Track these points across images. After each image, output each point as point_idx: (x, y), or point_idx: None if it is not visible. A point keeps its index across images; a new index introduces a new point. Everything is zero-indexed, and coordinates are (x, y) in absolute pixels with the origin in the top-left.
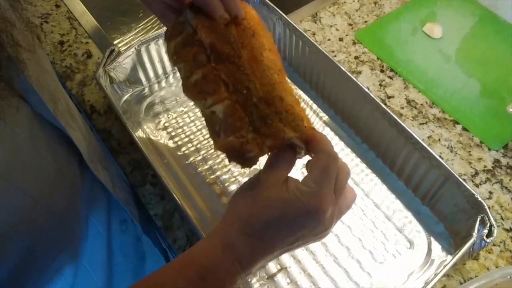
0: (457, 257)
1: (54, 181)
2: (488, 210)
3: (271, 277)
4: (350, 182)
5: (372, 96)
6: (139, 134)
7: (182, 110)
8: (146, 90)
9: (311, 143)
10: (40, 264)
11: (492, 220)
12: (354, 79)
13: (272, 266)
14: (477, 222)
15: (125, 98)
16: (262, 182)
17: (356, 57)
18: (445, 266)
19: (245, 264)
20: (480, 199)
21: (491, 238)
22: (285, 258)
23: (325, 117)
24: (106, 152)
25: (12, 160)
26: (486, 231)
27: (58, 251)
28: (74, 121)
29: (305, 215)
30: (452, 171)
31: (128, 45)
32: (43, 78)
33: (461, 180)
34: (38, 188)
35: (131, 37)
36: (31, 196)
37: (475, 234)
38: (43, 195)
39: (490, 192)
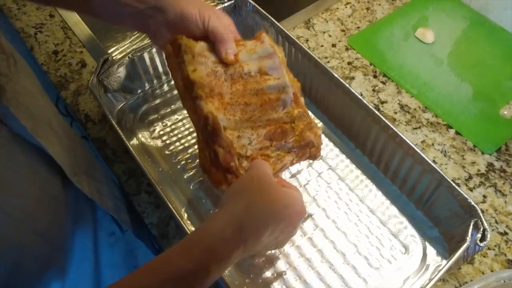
0: (451, 262)
1: (37, 199)
2: (481, 214)
3: (267, 284)
4: (345, 187)
5: (365, 102)
6: (133, 142)
7: (177, 118)
8: (141, 98)
9: None
10: (26, 284)
11: (485, 224)
12: (347, 85)
13: (268, 273)
14: (471, 227)
15: (119, 107)
16: (262, 177)
17: (349, 63)
18: (439, 271)
19: (248, 247)
20: (473, 203)
21: (485, 243)
22: (281, 264)
23: (319, 124)
24: (100, 160)
25: None
26: (479, 235)
27: (44, 269)
28: (55, 135)
29: (297, 213)
30: (445, 176)
31: (124, 53)
32: (22, 96)
33: (454, 184)
34: (20, 208)
35: (127, 45)
36: (12, 216)
37: (468, 238)
38: (25, 214)
39: (484, 196)
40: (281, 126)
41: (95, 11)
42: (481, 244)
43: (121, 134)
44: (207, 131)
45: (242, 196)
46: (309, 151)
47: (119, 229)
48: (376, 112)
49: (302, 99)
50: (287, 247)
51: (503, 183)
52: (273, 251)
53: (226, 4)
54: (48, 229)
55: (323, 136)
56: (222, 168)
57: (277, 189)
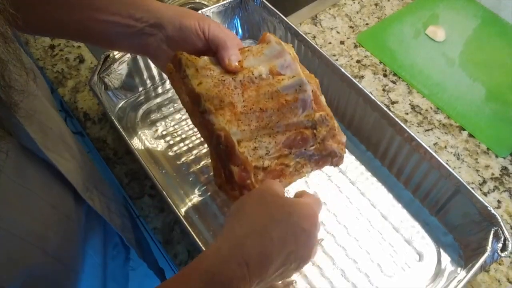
0: (471, 272)
1: (47, 218)
2: (502, 223)
3: None
4: (356, 192)
5: (378, 102)
6: (135, 142)
7: (180, 117)
8: (142, 97)
9: None
10: None
11: (507, 233)
12: (360, 85)
13: (278, 282)
14: (491, 235)
15: (120, 105)
16: (266, 190)
17: (358, 61)
18: (459, 281)
19: (252, 268)
20: (493, 211)
21: (506, 252)
22: None
23: None
24: (107, 172)
25: None
26: (500, 245)
27: None
28: (67, 149)
29: (306, 217)
30: (464, 182)
31: None
32: (33, 108)
33: (473, 191)
34: (30, 229)
35: None
36: (22, 237)
37: (489, 248)
38: (36, 235)
39: (499, 201)
40: (302, 131)
41: (94, 38)
42: (503, 254)
43: (124, 134)
44: (220, 149)
45: (241, 214)
46: (331, 160)
47: (121, 240)
48: (391, 114)
49: (322, 98)
50: None
51: None
52: None
53: None
54: (59, 249)
55: None
56: (238, 186)
57: (281, 199)
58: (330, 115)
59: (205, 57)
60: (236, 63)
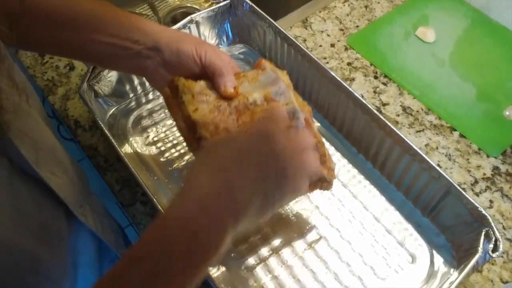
0: (463, 274)
1: (39, 237)
2: (493, 224)
3: None
4: (348, 194)
5: (368, 105)
6: (126, 149)
7: (171, 123)
8: (133, 103)
9: None
10: None
11: (498, 234)
12: (350, 88)
13: (271, 286)
14: (482, 236)
15: (111, 112)
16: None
17: (348, 64)
18: (451, 283)
19: (232, 209)
20: (484, 212)
21: (497, 253)
22: (284, 276)
23: (320, 127)
24: (100, 180)
25: None
26: (491, 245)
27: None
28: (59, 165)
29: (257, 135)
30: (455, 184)
31: None
32: (25, 127)
33: (463, 193)
34: (21, 248)
35: None
36: (13, 258)
37: (480, 249)
38: (26, 254)
39: (491, 201)
40: None
41: (91, 58)
42: (494, 255)
43: (114, 141)
44: None
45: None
46: (321, 185)
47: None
48: (381, 117)
49: (314, 126)
50: (290, 258)
51: (510, 187)
52: (273, 254)
53: (221, 4)
54: (51, 267)
55: (324, 140)
56: None
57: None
58: (321, 142)
59: (202, 82)
60: (232, 89)
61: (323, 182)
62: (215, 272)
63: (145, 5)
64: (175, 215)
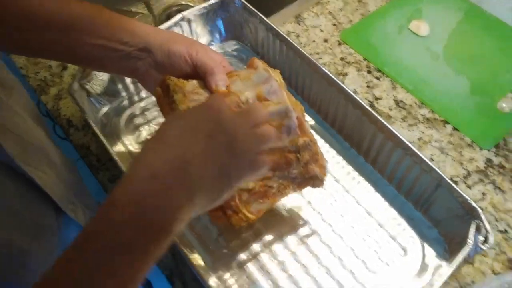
0: (454, 266)
1: (28, 232)
2: (483, 217)
3: None
4: (340, 189)
5: (361, 101)
6: (119, 148)
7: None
8: (126, 101)
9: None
10: None
11: (487, 226)
12: (341, 83)
13: (263, 282)
14: (473, 229)
15: (103, 111)
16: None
17: (342, 59)
18: (443, 275)
19: (185, 182)
20: (474, 204)
21: (487, 245)
22: (276, 271)
23: (313, 123)
24: (93, 182)
25: None
26: (482, 238)
27: None
28: (48, 163)
29: (202, 110)
30: (445, 176)
31: None
32: (9, 123)
33: (454, 185)
34: (10, 244)
35: None
36: (2, 255)
37: (470, 241)
38: (16, 251)
39: (483, 193)
40: (286, 156)
41: (82, 60)
42: (484, 247)
43: (104, 140)
44: None
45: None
46: (312, 182)
47: None
48: (373, 111)
49: (306, 124)
50: (282, 254)
51: (502, 180)
52: (265, 249)
53: (213, 1)
54: (40, 261)
55: (318, 137)
56: (222, 207)
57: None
58: (313, 141)
59: (194, 81)
60: (224, 88)
61: (314, 180)
62: (207, 268)
63: (141, 4)
64: (123, 194)
